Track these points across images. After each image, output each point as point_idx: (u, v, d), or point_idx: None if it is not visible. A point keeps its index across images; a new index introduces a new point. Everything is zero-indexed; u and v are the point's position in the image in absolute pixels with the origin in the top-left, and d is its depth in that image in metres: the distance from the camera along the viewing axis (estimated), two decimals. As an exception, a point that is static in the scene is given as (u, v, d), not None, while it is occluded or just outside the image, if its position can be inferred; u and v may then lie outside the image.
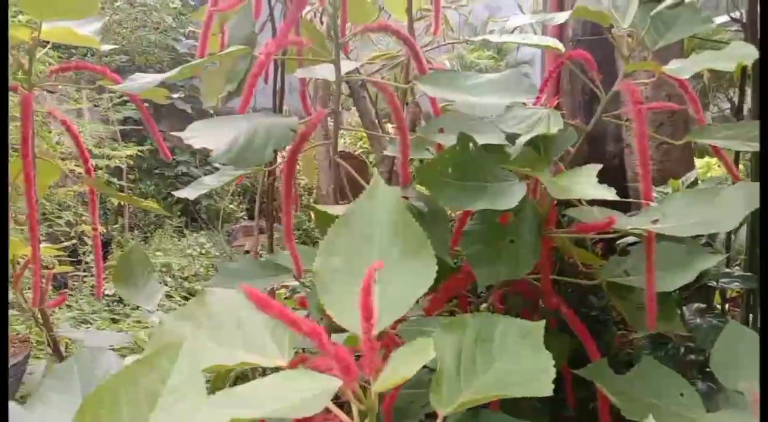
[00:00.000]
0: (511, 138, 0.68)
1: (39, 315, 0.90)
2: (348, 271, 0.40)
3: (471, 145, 0.62)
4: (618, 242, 0.88)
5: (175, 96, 4.15)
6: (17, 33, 0.86)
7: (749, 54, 0.62)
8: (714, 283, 0.83)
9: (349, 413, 0.36)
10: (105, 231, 2.70)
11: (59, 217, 1.86)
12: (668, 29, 0.80)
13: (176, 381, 0.36)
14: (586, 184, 0.58)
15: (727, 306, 1.03)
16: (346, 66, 0.77)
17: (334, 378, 0.34)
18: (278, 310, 0.32)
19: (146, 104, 0.98)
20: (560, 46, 0.81)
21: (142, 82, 0.69)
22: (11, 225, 1.08)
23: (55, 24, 0.89)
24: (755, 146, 0.67)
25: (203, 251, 3.04)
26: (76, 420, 0.34)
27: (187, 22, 4.50)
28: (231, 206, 4.25)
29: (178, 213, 3.67)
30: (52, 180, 1.01)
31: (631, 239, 0.87)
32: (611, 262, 0.77)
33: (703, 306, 0.87)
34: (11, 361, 0.79)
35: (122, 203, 2.35)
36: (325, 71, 0.78)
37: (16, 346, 0.84)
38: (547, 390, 0.43)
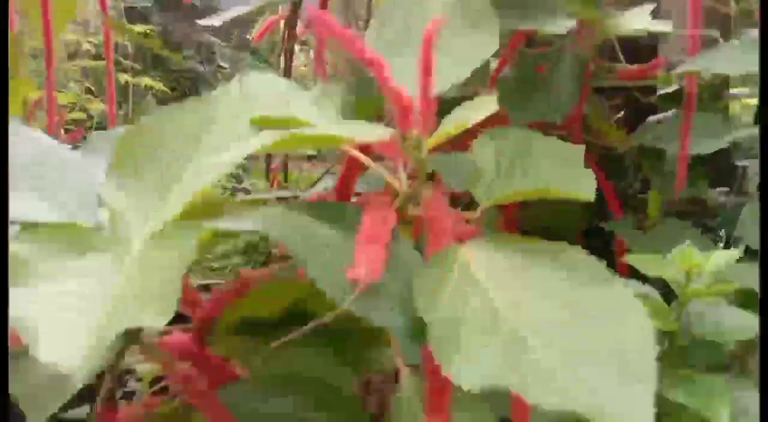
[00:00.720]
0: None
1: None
2: (402, 42, 0.38)
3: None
4: (647, 120, 0.86)
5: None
6: None
7: None
8: (745, 162, 0.82)
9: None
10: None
11: (64, 88, 1.82)
12: None
13: (221, 126, 0.34)
14: (641, 20, 0.56)
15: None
16: None
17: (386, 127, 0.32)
18: (343, 33, 0.30)
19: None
20: None
21: None
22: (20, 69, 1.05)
23: None
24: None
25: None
26: (114, 157, 0.33)
27: None
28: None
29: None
30: (68, 18, 0.98)
31: (660, 117, 0.85)
32: (642, 128, 0.76)
33: (726, 189, 0.86)
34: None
35: (128, 86, 2.30)
36: None
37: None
38: (590, 194, 0.42)
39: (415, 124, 0.33)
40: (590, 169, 0.45)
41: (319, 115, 0.38)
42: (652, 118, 0.86)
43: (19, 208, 0.29)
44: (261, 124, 0.37)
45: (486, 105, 0.33)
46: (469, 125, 0.32)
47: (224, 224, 0.27)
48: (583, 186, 0.43)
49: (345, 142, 0.32)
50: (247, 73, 0.44)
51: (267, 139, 0.30)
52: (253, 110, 0.38)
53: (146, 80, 2.13)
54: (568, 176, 0.44)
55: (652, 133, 0.74)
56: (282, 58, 1.01)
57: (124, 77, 2.28)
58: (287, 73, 0.97)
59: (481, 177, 0.42)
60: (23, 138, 0.35)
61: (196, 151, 0.33)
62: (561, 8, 0.60)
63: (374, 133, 0.31)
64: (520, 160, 0.45)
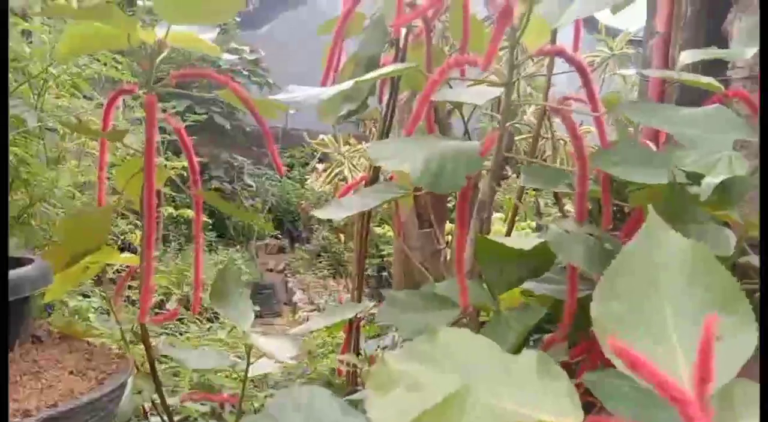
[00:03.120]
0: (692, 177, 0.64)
1: (128, 329, 0.86)
2: (635, 320, 0.35)
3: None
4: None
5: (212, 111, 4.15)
6: (142, 35, 0.83)
7: None
8: None
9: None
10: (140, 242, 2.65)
11: (115, 226, 1.83)
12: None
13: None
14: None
15: None
16: (492, 92, 0.73)
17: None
18: (652, 372, 0.27)
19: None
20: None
21: (306, 93, 0.65)
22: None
23: (179, 29, 0.86)
24: None
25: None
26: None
27: (230, 38, 4.51)
28: (258, 223, 4.23)
29: (210, 227, 3.64)
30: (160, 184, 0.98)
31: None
32: None
33: None
34: (114, 383, 0.74)
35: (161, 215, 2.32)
36: (473, 95, 0.74)
37: (116, 363, 0.79)
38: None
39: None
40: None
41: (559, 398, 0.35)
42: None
43: None
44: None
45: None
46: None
47: None
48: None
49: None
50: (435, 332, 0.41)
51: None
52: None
53: (186, 212, 2.16)
54: None
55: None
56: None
57: (167, 210, 2.31)
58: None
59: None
60: None
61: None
62: (705, 215, 0.59)
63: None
64: None
